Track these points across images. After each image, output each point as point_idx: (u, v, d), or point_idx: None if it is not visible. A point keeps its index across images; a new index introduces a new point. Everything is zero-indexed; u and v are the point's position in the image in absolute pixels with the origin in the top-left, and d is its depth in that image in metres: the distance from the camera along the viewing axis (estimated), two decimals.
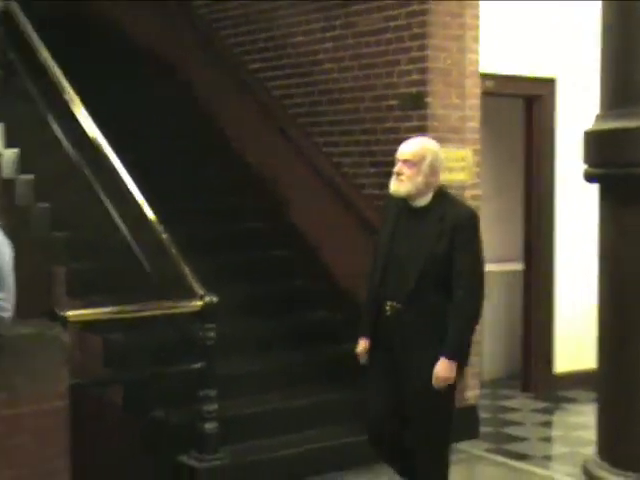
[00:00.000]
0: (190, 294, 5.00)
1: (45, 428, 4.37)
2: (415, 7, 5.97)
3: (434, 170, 4.09)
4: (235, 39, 7.53)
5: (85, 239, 5.81)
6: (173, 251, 5.19)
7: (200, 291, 4.98)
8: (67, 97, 5.84)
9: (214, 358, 4.93)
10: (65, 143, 5.80)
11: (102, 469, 5.11)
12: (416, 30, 5.97)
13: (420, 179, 4.05)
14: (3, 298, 3.85)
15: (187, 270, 5.11)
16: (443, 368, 3.99)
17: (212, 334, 4.91)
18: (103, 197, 5.52)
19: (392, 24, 6.11)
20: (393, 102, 6.10)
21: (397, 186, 4.12)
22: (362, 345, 4.26)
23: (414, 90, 5.96)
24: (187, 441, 5.01)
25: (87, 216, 5.69)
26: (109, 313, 4.95)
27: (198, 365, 4.92)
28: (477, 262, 4.07)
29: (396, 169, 4.12)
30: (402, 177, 4.08)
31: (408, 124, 5.99)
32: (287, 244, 6.76)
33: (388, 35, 6.14)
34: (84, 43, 7.35)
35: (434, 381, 3.99)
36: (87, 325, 5.31)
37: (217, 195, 6.87)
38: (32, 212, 6.10)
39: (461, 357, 4.07)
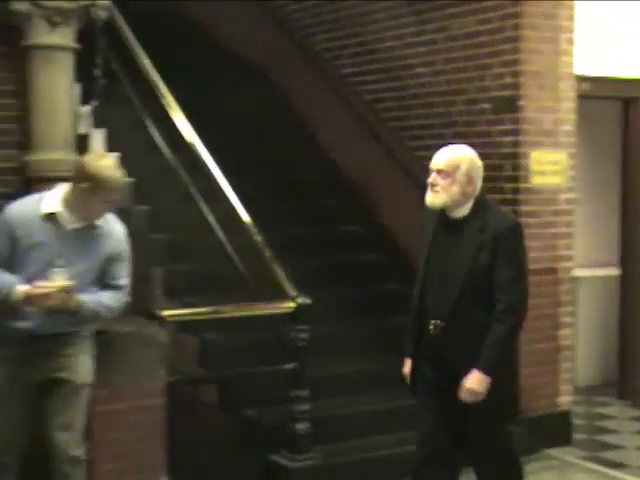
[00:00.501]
0: (283, 296, 5.08)
1: (142, 424, 4.52)
2: (509, 10, 5.95)
3: (470, 179, 3.91)
4: (327, 44, 7.61)
5: (182, 241, 5.95)
6: (267, 253, 5.28)
7: (293, 293, 5.06)
8: (164, 102, 5.97)
9: (306, 359, 5.00)
10: (162, 146, 5.93)
11: (197, 466, 5.22)
12: (509, 33, 5.94)
13: (456, 189, 3.88)
14: (127, 285, 4.09)
15: (280, 272, 5.19)
16: (473, 381, 3.82)
17: (304, 335, 4.98)
18: (199, 199, 5.64)
19: (485, 27, 6.10)
20: (485, 106, 6.08)
21: (432, 198, 3.95)
22: (408, 365, 4.12)
23: (507, 93, 5.93)
24: (279, 441, 5.10)
25: (183, 218, 5.83)
26: (204, 313, 5.06)
27: (290, 366, 5.00)
28: (519, 275, 3.89)
29: (430, 180, 3.96)
30: (437, 188, 3.92)
31: (500, 128, 5.97)
32: (379, 247, 6.80)
33: (480, 38, 6.12)
34: (172, 44, 7.44)
35: (462, 394, 3.84)
36: (183, 325, 5.44)
37: (309, 198, 6.96)
38: (132, 214, 6.25)
39: (494, 373, 3.84)
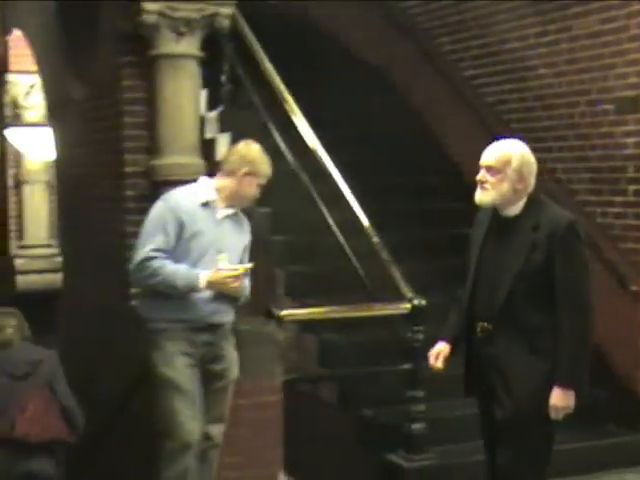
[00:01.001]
0: (400, 297, 5.14)
1: (260, 420, 4.66)
2: (634, 7, 5.83)
3: (522, 176, 3.72)
4: (450, 46, 7.61)
5: (302, 243, 6.08)
6: (384, 255, 5.35)
7: (409, 294, 5.11)
8: (287, 107, 6.12)
9: (422, 360, 5.04)
10: (284, 150, 6.08)
11: (314, 463, 5.33)
12: (635, 31, 5.83)
13: (506, 186, 3.71)
14: None
15: (397, 273, 5.24)
16: (559, 398, 3.63)
17: (420, 336, 5.02)
18: (319, 202, 5.75)
19: (609, 26, 6.00)
20: (609, 106, 5.98)
21: (481, 195, 3.80)
22: (439, 347, 4.00)
23: (631, 94, 5.81)
24: (396, 440, 5.14)
25: (304, 220, 5.95)
26: (320, 313, 5.17)
27: (407, 366, 5.05)
28: (580, 275, 3.68)
29: (479, 177, 3.80)
30: (486, 185, 3.75)
31: (624, 128, 5.86)
32: None
33: (605, 38, 6.02)
34: (294, 47, 7.56)
35: (553, 413, 3.66)
36: (304, 325, 5.58)
37: (429, 200, 6.98)
38: (254, 216, 6.44)
39: (577, 384, 3.67)
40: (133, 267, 4.17)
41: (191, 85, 5.21)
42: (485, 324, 3.79)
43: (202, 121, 6.38)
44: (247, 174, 4.23)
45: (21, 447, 4.88)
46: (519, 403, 3.70)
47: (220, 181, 4.27)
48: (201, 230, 4.15)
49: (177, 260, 4.12)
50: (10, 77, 9.62)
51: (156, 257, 4.08)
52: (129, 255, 5.55)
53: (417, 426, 5.05)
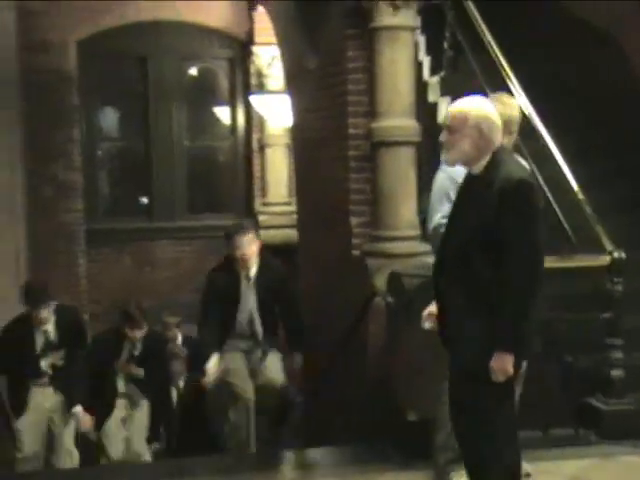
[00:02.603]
0: (601, 250, 5.40)
1: None
2: None
3: (481, 132, 3.62)
4: None
5: None
6: (587, 210, 5.59)
7: (609, 247, 5.36)
8: (504, 73, 6.40)
9: (621, 310, 5.30)
10: None
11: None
12: None
13: (467, 144, 3.63)
14: None
15: (599, 228, 5.49)
16: (496, 361, 3.53)
17: (619, 287, 5.27)
18: (528, 159, 6.03)
19: None
20: None
21: (444, 156, 3.79)
22: (430, 309, 3.97)
23: None
24: (595, 385, 5.43)
25: None
26: None
27: (606, 315, 5.32)
28: (526, 232, 3.53)
29: (440, 137, 3.75)
30: (447, 145, 3.72)
31: None
32: None
33: None
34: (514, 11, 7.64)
35: (492, 376, 3.55)
36: None
37: None
38: None
39: (517, 347, 3.55)
40: (429, 235, 4.66)
41: (407, 53, 5.70)
42: (440, 278, 3.78)
43: (425, 86, 6.90)
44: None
45: None
46: (464, 363, 3.67)
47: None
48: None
49: None
50: (255, 49, 10.51)
51: (444, 224, 4.45)
52: (352, 210, 6.20)
53: (616, 372, 5.31)
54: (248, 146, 11.30)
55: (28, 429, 6.05)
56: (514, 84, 6.27)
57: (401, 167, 5.57)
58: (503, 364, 3.53)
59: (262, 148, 10.88)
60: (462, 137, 3.64)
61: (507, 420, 3.68)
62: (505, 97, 4.66)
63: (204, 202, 11.52)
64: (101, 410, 6.16)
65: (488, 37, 6.51)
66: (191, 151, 11.37)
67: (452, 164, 3.85)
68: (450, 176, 4.43)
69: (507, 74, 6.37)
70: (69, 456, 6.23)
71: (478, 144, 3.64)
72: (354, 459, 5.36)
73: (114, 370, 6.18)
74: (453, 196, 4.23)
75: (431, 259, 4.35)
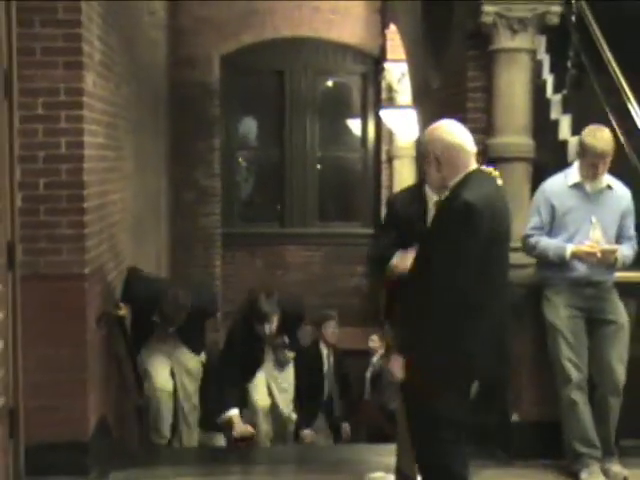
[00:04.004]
0: None
1: None
2: None
3: (441, 161, 3.65)
4: None
5: None
6: None
7: None
8: (624, 94, 6.55)
9: None
10: (619, 134, 6.53)
11: None
12: None
13: (432, 172, 3.70)
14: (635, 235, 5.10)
15: None
16: (392, 364, 3.70)
17: None
18: None
19: None
20: None
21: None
22: None
23: None
24: None
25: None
26: None
27: None
28: (446, 253, 3.52)
29: None
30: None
31: None
32: None
33: None
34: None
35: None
36: None
37: None
38: None
39: (407, 353, 3.61)
40: (522, 244, 5.16)
41: (524, 75, 5.98)
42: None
43: (548, 103, 7.17)
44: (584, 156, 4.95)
45: None
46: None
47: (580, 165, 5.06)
48: (572, 207, 4.99)
49: (555, 235, 5.03)
50: (387, 65, 10.97)
51: (533, 235, 5.08)
52: None
53: None
54: (377, 157, 11.77)
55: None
56: (633, 105, 6.50)
57: (515, 182, 5.85)
58: (393, 365, 3.67)
59: (390, 160, 11.31)
60: (428, 165, 3.71)
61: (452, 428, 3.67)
62: (599, 131, 4.97)
63: (334, 210, 12.07)
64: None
65: (610, 58, 6.76)
66: (323, 161, 11.94)
67: (434, 189, 3.89)
68: (543, 192, 5.03)
69: (627, 95, 6.59)
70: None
71: (441, 171, 3.66)
72: None
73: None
74: (543, 211, 4.94)
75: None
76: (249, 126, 12.29)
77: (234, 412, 5.77)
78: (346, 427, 7.66)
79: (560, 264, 4.99)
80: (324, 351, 7.75)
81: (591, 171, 4.95)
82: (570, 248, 4.90)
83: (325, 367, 7.59)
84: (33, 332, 4.39)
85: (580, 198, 4.99)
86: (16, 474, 4.17)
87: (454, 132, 3.70)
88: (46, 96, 4.71)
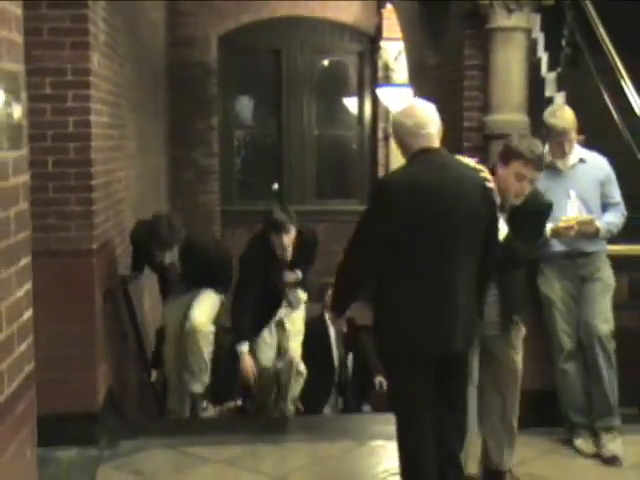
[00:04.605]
0: None
1: None
2: None
3: (398, 138, 3.79)
4: None
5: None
6: None
7: None
8: (618, 73, 6.60)
9: None
10: (613, 112, 6.65)
11: None
12: None
13: (400, 155, 3.84)
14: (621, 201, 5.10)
15: None
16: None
17: None
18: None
19: None
20: None
21: None
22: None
23: None
24: None
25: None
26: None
27: None
28: (359, 222, 3.74)
29: None
30: None
31: None
32: None
33: None
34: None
35: None
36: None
37: None
38: None
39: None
40: None
41: (520, 53, 6.13)
42: None
43: (542, 81, 7.28)
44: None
45: None
46: None
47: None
48: (548, 187, 4.84)
49: None
50: (383, 43, 11.07)
51: None
52: None
53: None
54: (374, 135, 11.88)
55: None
56: (627, 84, 6.56)
57: None
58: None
59: (387, 137, 11.41)
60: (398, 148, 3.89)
61: (403, 401, 3.77)
62: (560, 110, 5.04)
63: (331, 187, 12.19)
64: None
65: (604, 37, 6.85)
66: (320, 139, 12.04)
67: None
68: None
69: (621, 74, 6.68)
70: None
71: (401, 149, 3.78)
72: None
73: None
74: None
75: None
76: (247, 105, 12.39)
77: (244, 348, 5.73)
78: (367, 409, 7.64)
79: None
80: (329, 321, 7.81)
81: (559, 149, 4.97)
82: (549, 227, 4.92)
83: (332, 336, 7.66)
84: (43, 307, 4.50)
85: (555, 176, 4.98)
86: None
87: (407, 114, 3.70)
88: (54, 76, 4.80)
